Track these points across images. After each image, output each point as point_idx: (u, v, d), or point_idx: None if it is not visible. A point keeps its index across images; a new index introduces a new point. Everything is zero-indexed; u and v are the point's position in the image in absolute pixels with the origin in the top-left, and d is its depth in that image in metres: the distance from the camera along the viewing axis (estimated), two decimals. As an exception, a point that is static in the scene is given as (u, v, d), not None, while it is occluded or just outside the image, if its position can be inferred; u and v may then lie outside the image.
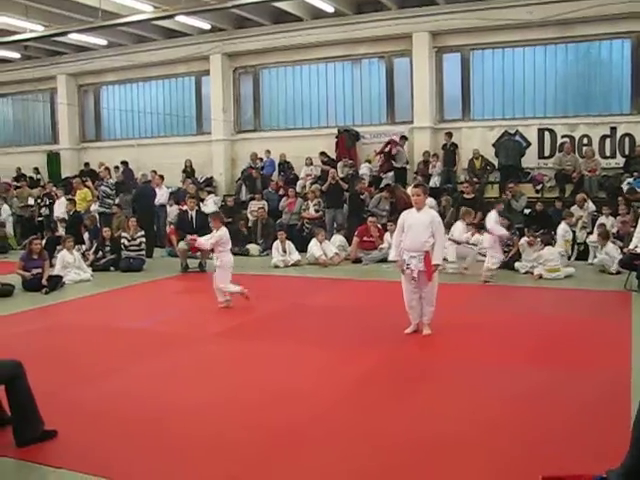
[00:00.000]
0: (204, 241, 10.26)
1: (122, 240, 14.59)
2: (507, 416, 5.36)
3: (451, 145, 18.09)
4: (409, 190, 14.56)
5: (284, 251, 14.73)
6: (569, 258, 13.83)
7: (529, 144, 17.65)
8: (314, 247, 14.63)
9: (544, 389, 6.03)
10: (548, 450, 4.63)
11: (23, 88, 25.28)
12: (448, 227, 14.38)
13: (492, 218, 12.74)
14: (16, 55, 23.20)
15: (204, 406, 5.74)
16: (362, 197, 16.72)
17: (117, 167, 21.23)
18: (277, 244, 14.82)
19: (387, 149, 18.25)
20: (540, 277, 12.20)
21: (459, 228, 13.39)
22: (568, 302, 10.57)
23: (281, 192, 18.40)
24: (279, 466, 4.58)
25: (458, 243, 13.10)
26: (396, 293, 8.53)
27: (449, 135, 18.20)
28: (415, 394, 6.10)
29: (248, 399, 5.90)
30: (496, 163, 17.57)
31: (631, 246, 11.64)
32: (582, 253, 14.38)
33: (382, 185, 17.45)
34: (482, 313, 9.57)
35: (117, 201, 17.83)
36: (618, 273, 12.14)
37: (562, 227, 13.77)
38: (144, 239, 14.83)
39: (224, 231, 10.16)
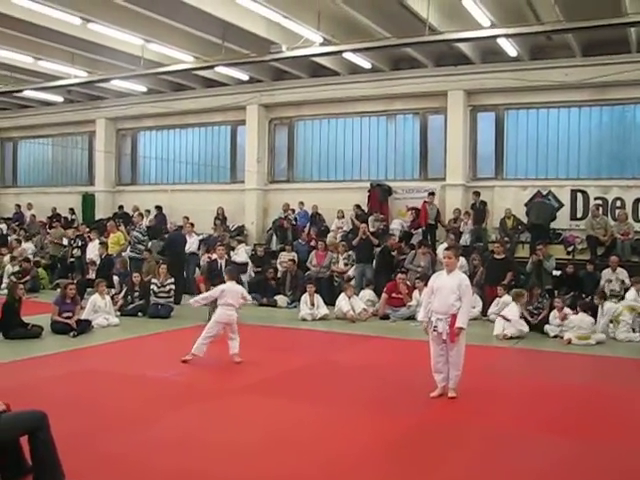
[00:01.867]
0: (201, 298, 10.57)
1: (152, 286, 14.67)
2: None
3: (480, 203, 18.08)
4: (440, 250, 14.60)
5: (312, 304, 14.69)
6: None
7: (561, 205, 17.58)
8: (342, 302, 14.60)
9: (571, 462, 5.91)
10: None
11: (63, 130, 25.89)
12: (478, 287, 14.39)
13: (513, 311, 12.79)
14: (59, 99, 23.77)
15: (226, 461, 5.72)
16: (392, 253, 16.67)
17: (148, 210, 21.48)
18: (305, 297, 14.80)
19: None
20: (569, 342, 11.99)
21: (514, 311, 12.91)
22: (599, 370, 10.41)
23: (312, 244, 18.39)
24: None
25: (508, 320, 12.89)
26: (422, 353, 8.50)
27: (477, 194, 18.21)
28: (438, 462, 6.02)
29: (269, 457, 5.86)
30: (526, 222, 17.48)
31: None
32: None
33: (412, 241, 17.44)
34: (510, 378, 9.47)
35: (149, 246, 17.97)
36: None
37: (632, 293, 13.22)
38: (173, 286, 14.91)
39: (224, 287, 10.25)
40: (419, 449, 6.36)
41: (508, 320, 12.70)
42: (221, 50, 16.17)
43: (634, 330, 12.56)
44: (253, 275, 17.70)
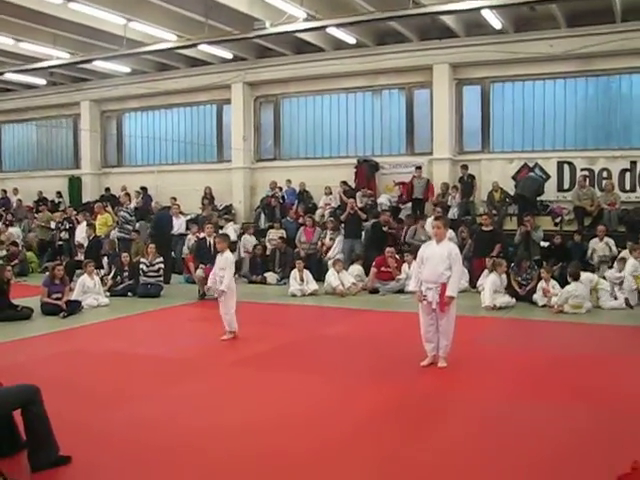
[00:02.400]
0: (224, 287, 9.84)
1: (141, 266, 14.66)
2: (521, 453, 5.29)
3: (468, 177, 18.09)
4: (428, 222, 14.62)
5: (302, 280, 14.73)
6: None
7: (548, 177, 17.62)
8: (331, 277, 14.64)
9: (561, 431, 5.89)
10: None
11: (47, 113, 25.65)
12: (467, 259, 14.43)
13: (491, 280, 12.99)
14: (42, 81, 23.54)
15: (218, 434, 5.74)
16: (384, 228, 16.66)
17: (139, 192, 21.42)
18: (295, 273, 14.83)
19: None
20: (561, 311, 12.07)
21: (494, 281, 13.02)
22: (587, 337, 10.48)
23: (300, 221, 18.39)
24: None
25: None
26: (413, 324, 8.52)
27: (465, 167, 18.22)
28: (429, 428, 6.07)
29: (262, 429, 5.87)
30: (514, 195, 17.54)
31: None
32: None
33: (400, 216, 17.48)
34: (499, 347, 9.51)
35: (136, 227, 17.94)
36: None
37: (632, 262, 13.10)
38: (163, 265, 14.90)
39: (232, 258, 10.15)
40: (410, 418, 6.38)
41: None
42: (204, 28, 16.04)
43: (616, 298, 12.79)
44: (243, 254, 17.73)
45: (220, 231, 16.62)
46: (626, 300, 12.63)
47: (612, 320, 11.53)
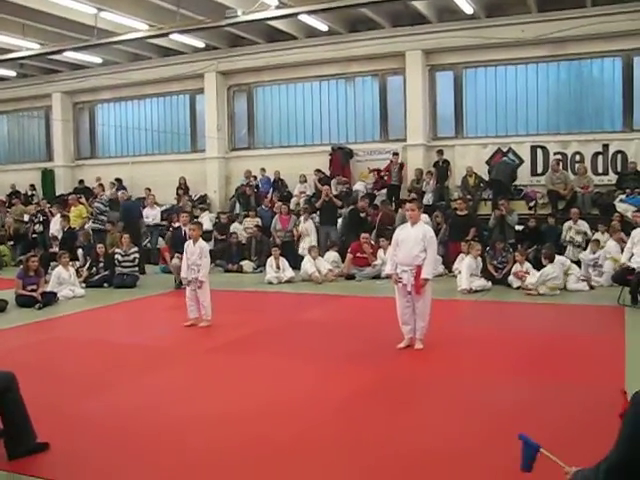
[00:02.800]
0: (203, 276, 9.92)
1: (115, 256, 14.58)
2: (498, 430, 5.33)
3: (443, 162, 18.17)
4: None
5: (278, 268, 14.73)
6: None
7: (522, 161, 17.74)
8: (307, 264, 14.66)
9: (536, 404, 6.01)
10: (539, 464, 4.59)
11: (18, 106, 25.37)
12: (442, 244, 14.51)
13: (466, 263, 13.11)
14: (12, 73, 23.27)
15: (197, 419, 5.73)
16: (362, 215, 16.61)
17: (113, 183, 21.26)
18: (271, 261, 14.83)
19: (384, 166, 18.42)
20: (538, 293, 12.17)
21: (470, 265, 13.08)
22: (561, 317, 10.62)
23: (275, 209, 18.35)
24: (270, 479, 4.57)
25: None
26: (389, 309, 8.58)
27: (440, 152, 18.29)
28: (407, 409, 6.11)
29: (241, 413, 5.88)
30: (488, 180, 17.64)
31: (622, 260, 11.74)
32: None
33: (375, 202, 17.52)
34: (475, 328, 9.59)
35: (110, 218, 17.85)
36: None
37: (612, 243, 13.42)
38: (137, 255, 14.84)
39: (207, 246, 10.17)
40: (382, 397, 6.42)
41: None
42: (176, 17, 15.93)
43: (584, 281, 12.99)
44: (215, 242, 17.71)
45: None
46: (588, 283, 12.88)
47: (581, 300, 11.75)
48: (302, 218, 17.01)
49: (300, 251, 16.19)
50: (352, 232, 16.21)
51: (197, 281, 9.88)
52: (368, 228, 16.04)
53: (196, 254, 9.91)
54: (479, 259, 13.29)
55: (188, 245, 10.09)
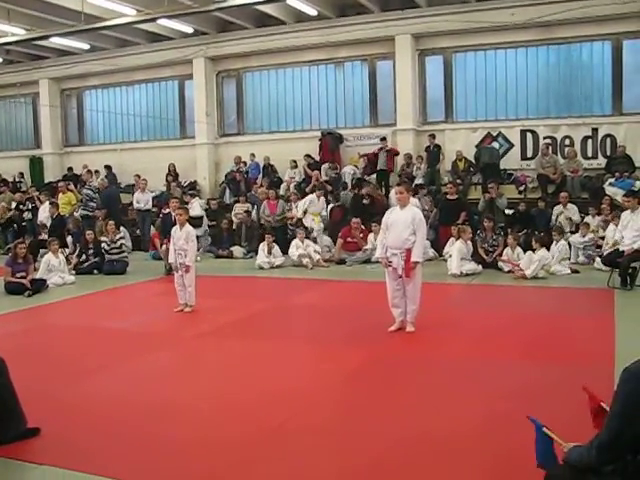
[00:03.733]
0: (189, 261, 9.89)
1: (102, 245, 14.51)
2: (492, 413, 5.35)
3: (435, 147, 18.14)
4: (392, 194, 14.65)
5: (269, 252, 14.71)
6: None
7: (512, 145, 17.74)
8: (293, 248, 14.68)
9: (529, 385, 6.04)
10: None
11: (5, 93, 25.08)
12: (432, 228, 14.53)
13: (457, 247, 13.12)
14: (-2, 59, 23.10)
15: (189, 404, 5.73)
16: (365, 201, 16.43)
17: (98, 170, 21.13)
18: (263, 245, 14.81)
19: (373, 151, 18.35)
20: (524, 277, 12.21)
21: (460, 249, 13.08)
22: (552, 300, 10.69)
23: (260, 194, 18.23)
24: (264, 463, 4.55)
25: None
26: (380, 293, 8.59)
27: (432, 137, 18.25)
28: (400, 392, 6.12)
29: (233, 397, 5.88)
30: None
31: (611, 243, 11.81)
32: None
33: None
34: (466, 311, 9.63)
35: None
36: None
37: (612, 228, 13.16)
38: (124, 240, 14.83)
39: (194, 232, 10.15)
40: (375, 380, 6.43)
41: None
42: (164, 2, 15.82)
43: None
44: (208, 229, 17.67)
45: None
46: (571, 267, 12.97)
47: (570, 283, 11.79)
48: (314, 196, 16.80)
49: (308, 223, 16.09)
50: (354, 216, 15.96)
51: (183, 266, 9.85)
52: (372, 213, 15.85)
53: (182, 239, 9.88)
54: (470, 243, 13.31)
55: (175, 230, 10.06)
